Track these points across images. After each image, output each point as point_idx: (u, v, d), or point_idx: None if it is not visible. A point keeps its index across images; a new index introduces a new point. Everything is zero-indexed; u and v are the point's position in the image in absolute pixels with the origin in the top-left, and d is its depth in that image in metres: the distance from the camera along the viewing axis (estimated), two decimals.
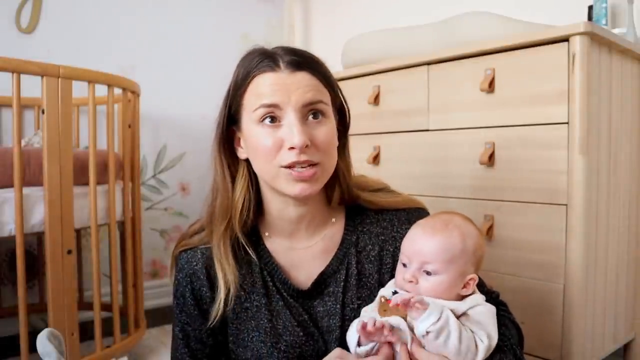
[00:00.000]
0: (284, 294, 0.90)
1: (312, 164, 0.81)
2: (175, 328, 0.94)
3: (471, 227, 0.85)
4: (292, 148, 0.79)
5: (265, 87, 0.81)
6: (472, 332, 0.76)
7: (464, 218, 0.87)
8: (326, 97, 0.86)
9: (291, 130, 0.80)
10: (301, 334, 0.88)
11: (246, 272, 0.90)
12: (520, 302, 1.28)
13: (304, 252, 0.93)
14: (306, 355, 0.88)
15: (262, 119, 0.82)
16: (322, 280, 0.91)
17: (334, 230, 0.94)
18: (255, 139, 0.83)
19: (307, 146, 0.80)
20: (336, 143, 0.88)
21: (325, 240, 0.93)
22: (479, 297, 0.82)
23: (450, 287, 0.79)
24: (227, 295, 0.86)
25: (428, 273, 0.79)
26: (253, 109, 0.82)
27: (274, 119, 0.81)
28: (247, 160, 0.89)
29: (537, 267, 1.25)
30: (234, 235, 0.89)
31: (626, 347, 1.47)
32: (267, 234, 0.94)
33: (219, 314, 0.87)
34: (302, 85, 0.82)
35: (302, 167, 0.81)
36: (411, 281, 0.79)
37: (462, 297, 0.81)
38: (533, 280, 1.26)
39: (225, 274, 0.86)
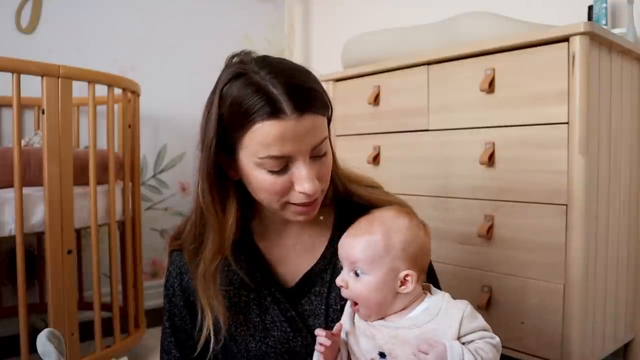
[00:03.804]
0: (272, 289, 0.90)
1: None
2: (164, 318, 0.96)
3: (402, 221, 0.80)
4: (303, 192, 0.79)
5: (273, 137, 0.75)
6: (477, 344, 0.74)
7: (397, 213, 0.82)
8: (326, 127, 0.82)
9: (303, 177, 0.78)
10: (289, 329, 0.88)
11: (235, 267, 0.89)
12: (520, 302, 1.28)
13: (292, 248, 0.93)
14: (294, 350, 0.88)
15: (268, 169, 0.78)
16: (309, 279, 0.91)
17: (323, 228, 0.93)
18: (259, 182, 0.80)
19: None
20: None
21: (313, 238, 0.93)
22: (439, 297, 0.79)
23: (381, 286, 0.77)
24: (217, 329, 0.85)
25: (357, 274, 0.78)
26: (258, 155, 0.77)
27: (281, 165, 0.78)
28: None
29: (537, 267, 1.25)
30: (223, 256, 0.87)
31: (626, 347, 1.47)
32: (256, 230, 0.94)
33: (202, 340, 0.86)
34: (310, 129, 0.77)
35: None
36: (341, 286, 0.79)
37: (407, 297, 0.78)
38: (533, 280, 1.26)
39: (213, 309, 0.85)
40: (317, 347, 0.78)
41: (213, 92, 0.82)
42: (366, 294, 0.77)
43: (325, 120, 0.82)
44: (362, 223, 0.81)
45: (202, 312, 0.86)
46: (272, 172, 0.78)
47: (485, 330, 0.75)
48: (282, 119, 0.74)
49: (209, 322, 0.85)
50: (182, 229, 0.94)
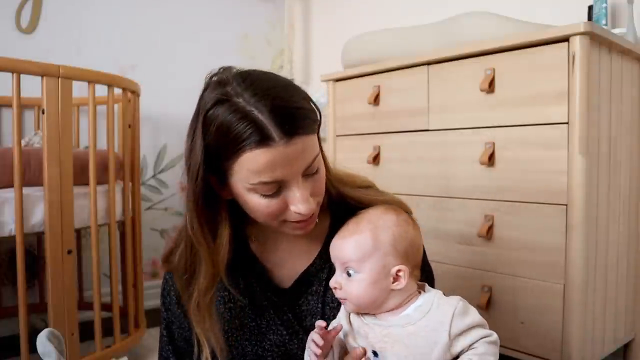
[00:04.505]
0: (268, 293, 0.90)
1: None
2: (161, 326, 0.95)
3: (389, 217, 0.80)
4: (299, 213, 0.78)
5: (262, 164, 0.73)
6: (477, 349, 0.73)
7: (384, 210, 0.82)
8: (317, 144, 0.80)
9: (297, 198, 0.77)
10: (284, 332, 0.88)
11: (230, 272, 0.88)
12: (520, 302, 1.28)
13: (287, 251, 0.93)
14: (291, 353, 0.88)
15: (261, 193, 0.77)
16: (306, 279, 0.91)
17: (319, 231, 0.93)
18: (254, 205, 0.78)
19: None
20: None
21: (309, 241, 0.92)
22: (432, 294, 0.78)
23: (374, 284, 0.76)
24: (214, 357, 0.84)
25: (349, 274, 0.78)
26: (249, 182, 0.75)
27: (274, 189, 0.76)
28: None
29: (537, 267, 1.25)
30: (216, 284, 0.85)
31: (626, 347, 1.47)
32: (250, 235, 0.93)
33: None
34: (300, 152, 0.75)
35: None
36: (335, 287, 0.79)
37: (400, 293, 0.77)
38: (533, 280, 1.26)
39: (210, 341, 0.83)
40: (310, 345, 0.77)
41: (196, 117, 0.78)
42: (360, 293, 0.77)
43: (315, 137, 0.79)
44: (350, 224, 0.81)
45: (198, 343, 0.85)
46: (265, 195, 0.77)
47: (480, 326, 0.75)
48: (271, 146, 0.72)
49: (207, 354, 0.84)
50: (172, 250, 0.91)
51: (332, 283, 0.80)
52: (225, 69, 0.80)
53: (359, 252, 0.77)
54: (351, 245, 0.78)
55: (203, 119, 0.75)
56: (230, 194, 0.81)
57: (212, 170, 0.78)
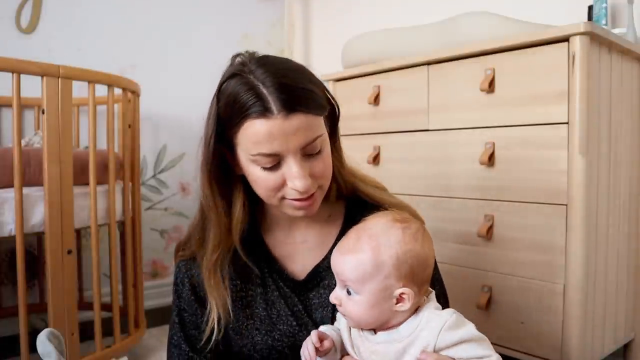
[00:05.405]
0: (280, 284, 0.91)
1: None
2: (173, 314, 0.96)
3: (394, 234, 0.73)
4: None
5: (261, 135, 0.77)
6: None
7: (390, 223, 0.75)
8: (321, 126, 0.83)
9: (293, 174, 0.79)
10: (294, 323, 0.89)
11: (243, 262, 0.91)
12: (520, 302, 1.28)
13: (300, 245, 0.94)
14: (300, 344, 0.88)
15: (261, 165, 0.80)
16: (318, 273, 0.92)
17: (332, 225, 0.95)
18: (255, 177, 0.83)
19: None
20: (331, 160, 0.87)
21: (322, 235, 0.94)
22: (427, 307, 0.75)
23: (374, 306, 0.72)
24: (219, 319, 0.88)
25: (349, 292, 0.74)
26: (250, 152, 0.80)
27: (273, 162, 0.80)
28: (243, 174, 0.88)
29: (537, 267, 1.25)
30: (231, 248, 0.90)
31: (626, 347, 1.47)
32: (264, 227, 0.95)
33: (208, 331, 0.89)
34: (299, 128, 0.78)
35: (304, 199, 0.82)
36: (335, 303, 0.77)
37: (403, 314, 0.73)
38: (533, 280, 1.26)
39: (217, 303, 0.87)
40: (305, 350, 0.76)
41: (215, 90, 0.85)
42: (359, 315, 0.74)
43: (319, 119, 0.82)
44: (351, 237, 0.77)
45: (209, 304, 0.89)
46: (265, 168, 0.80)
47: (473, 341, 0.70)
48: (269, 118, 0.76)
49: (213, 314, 0.87)
50: (187, 238, 0.95)
51: (333, 299, 0.77)
52: (250, 53, 0.86)
53: (358, 273, 0.72)
54: (350, 264, 0.73)
55: (218, 90, 0.83)
56: (241, 169, 0.85)
57: (222, 140, 0.84)
